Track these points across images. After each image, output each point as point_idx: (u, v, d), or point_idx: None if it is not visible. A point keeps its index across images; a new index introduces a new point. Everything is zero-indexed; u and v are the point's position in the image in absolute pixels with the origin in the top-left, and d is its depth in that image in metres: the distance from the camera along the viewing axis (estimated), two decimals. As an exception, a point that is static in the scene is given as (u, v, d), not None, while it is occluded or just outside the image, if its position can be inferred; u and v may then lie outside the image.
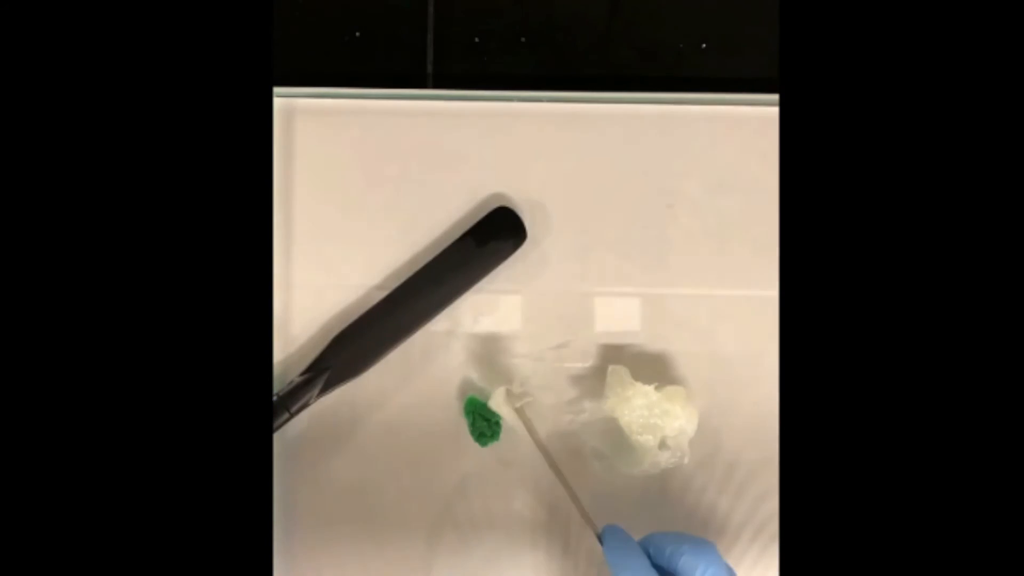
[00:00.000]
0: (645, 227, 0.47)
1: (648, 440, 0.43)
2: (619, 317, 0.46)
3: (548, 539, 0.45)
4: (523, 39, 0.49)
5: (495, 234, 0.45)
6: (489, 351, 0.46)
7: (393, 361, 0.45)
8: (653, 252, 0.47)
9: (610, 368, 0.44)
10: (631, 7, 0.49)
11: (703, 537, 0.38)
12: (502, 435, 0.44)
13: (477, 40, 0.49)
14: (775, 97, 0.47)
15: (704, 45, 0.49)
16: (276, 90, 0.47)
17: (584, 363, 0.46)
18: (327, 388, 0.44)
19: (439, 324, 0.46)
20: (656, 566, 0.38)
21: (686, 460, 0.43)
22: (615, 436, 0.45)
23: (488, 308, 0.46)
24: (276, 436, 0.44)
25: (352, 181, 0.47)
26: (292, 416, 0.43)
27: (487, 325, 0.46)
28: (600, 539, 0.40)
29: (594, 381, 0.46)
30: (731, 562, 0.39)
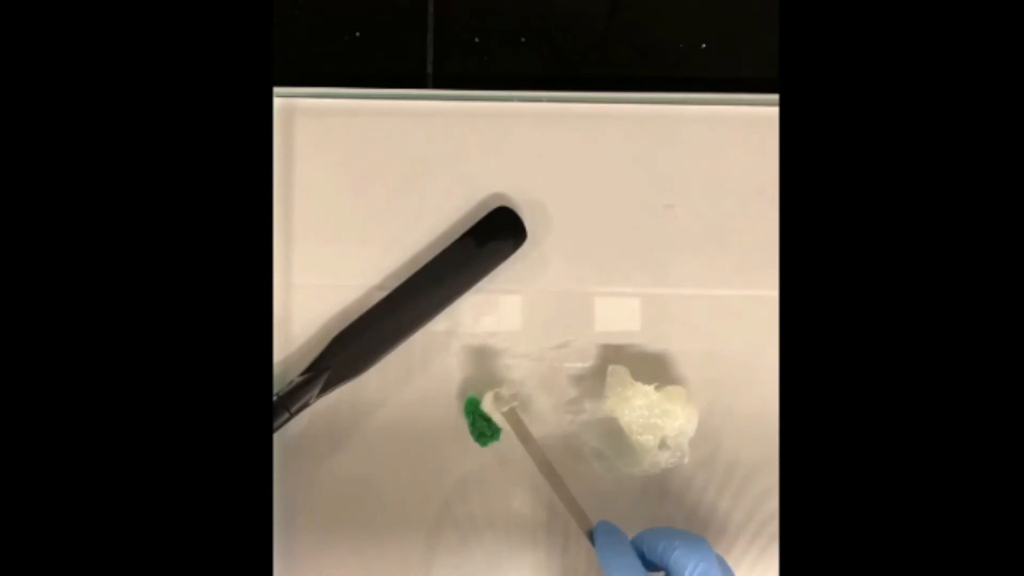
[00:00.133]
0: (645, 227, 0.47)
1: (648, 440, 0.43)
2: (619, 317, 0.46)
3: (548, 539, 0.45)
4: (523, 39, 0.49)
5: (495, 234, 0.45)
6: (489, 351, 0.46)
7: (393, 361, 0.45)
8: (653, 252, 0.47)
9: (610, 368, 0.44)
10: (631, 7, 0.49)
11: (699, 534, 0.38)
12: (502, 435, 0.44)
13: (477, 40, 0.49)
14: (775, 97, 0.47)
15: (704, 45, 0.49)
16: (276, 90, 0.47)
17: (584, 363, 0.46)
18: (327, 388, 0.44)
19: (439, 324, 0.46)
20: (649, 563, 0.38)
21: (686, 460, 0.43)
22: (615, 436, 0.45)
23: (488, 308, 0.46)
24: (276, 436, 0.44)
25: (352, 181, 0.47)
26: (292, 416, 0.43)
27: (487, 325, 0.46)
28: (591, 538, 0.40)
29: (594, 381, 0.46)
30: (731, 562, 0.39)
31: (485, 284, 0.46)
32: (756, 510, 0.46)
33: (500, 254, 0.45)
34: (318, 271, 0.46)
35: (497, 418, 0.43)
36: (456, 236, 0.46)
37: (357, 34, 0.49)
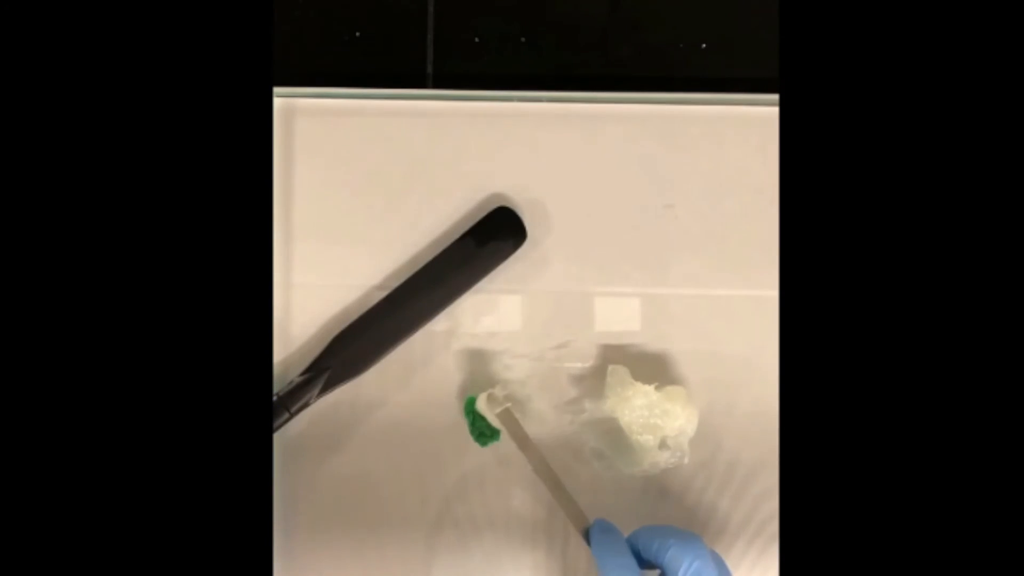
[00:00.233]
0: (645, 227, 0.47)
1: (648, 440, 0.43)
2: (619, 317, 0.46)
3: (548, 538, 0.45)
4: (523, 39, 0.49)
5: (495, 234, 0.45)
6: (489, 351, 0.46)
7: (393, 361, 0.45)
8: (653, 252, 0.47)
9: (610, 368, 0.44)
10: (631, 7, 0.49)
11: (694, 532, 0.38)
12: (502, 435, 0.44)
13: (477, 40, 0.49)
14: (775, 97, 0.47)
15: (704, 45, 0.49)
16: (276, 90, 0.47)
17: (584, 363, 0.46)
18: (327, 388, 0.44)
19: (439, 324, 0.46)
20: (644, 561, 0.38)
21: (686, 460, 0.43)
22: (615, 436, 0.45)
23: (488, 308, 0.46)
24: (276, 436, 0.44)
25: (352, 181, 0.47)
26: (292, 416, 0.43)
27: (487, 325, 0.46)
28: (586, 538, 0.40)
29: (594, 381, 0.46)
30: (731, 562, 0.39)
31: (485, 284, 0.46)
32: (756, 510, 0.46)
33: (500, 254, 0.45)
34: (318, 271, 0.46)
35: (491, 419, 0.43)
36: (456, 236, 0.46)
37: (357, 34, 0.49)
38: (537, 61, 0.49)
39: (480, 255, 0.45)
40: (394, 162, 0.47)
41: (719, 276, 0.46)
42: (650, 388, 0.43)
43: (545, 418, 0.45)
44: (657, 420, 0.43)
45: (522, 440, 0.43)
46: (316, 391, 0.44)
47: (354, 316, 0.45)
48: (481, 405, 0.43)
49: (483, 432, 0.44)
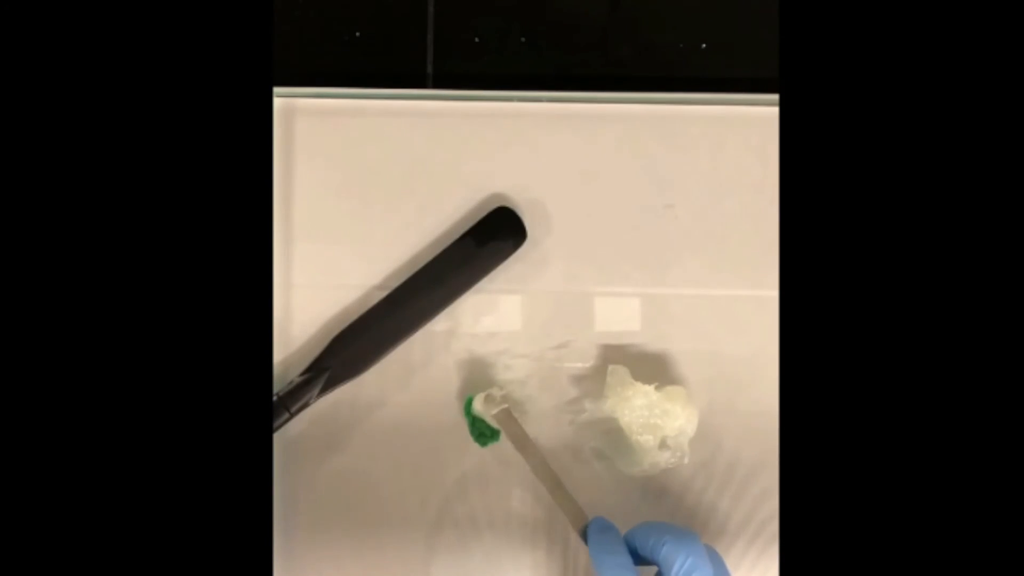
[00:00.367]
0: (645, 227, 0.47)
1: (648, 440, 0.43)
2: (619, 317, 0.46)
3: (548, 538, 0.45)
4: (523, 39, 0.49)
5: (495, 234, 0.45)
6: (489, 351, 0.46)
7: (393, 361, 0.45)
8: (653, 252, 0.47)
9: (610, 368, 0.44)
10: (631, 7, 0.49)
11: (690, 529, 0.38)
12: (502, 435, 0.44)
13: (477, 40, 0.49)
14: (775, 97, 0.47)
15: (704, 45, 0.49)
16: (276, 90, 0.47)
17: (584, 363, 0.46)
18: (327, 388, 0.44)
19: (439, 324, 0.46)
20: (641, 558, 0.38)
21: (686, 460, 0.43)
22: (615, 436, 0.45)
23: (488, 308, 0.46)
24: (276, 436, 0.44)
25: (352, 181, 0.47)
26: (292, 416, 0.43)
27: (487, 325, 0.46)
28: (584, 537, 0.40)
29: (594, 381, 0.46)
30: (731, 562, 0.39)
31: (485, 284, 0.46)
32: (756, 510, 0.46)
33: (500, 254, 0.45)
34: (318, 271, 0.46)
35: (488, 419, 0.43)
36: (456, 236, 0.46)
37: (357, 34, 0.49)
38: (537, 61, 0.49)
39: (480, 255, 0.45)
40: (394, 162, 0.47)
41: (719, 276, 0.46)
42: (650, 388, 0.43)
43: (545, 418, 0.45)
44: (657, 420, 0.43)
45: (520, 440, 0.43)
46: (316, 391, 0.44)
47: (354, 316, 0.45)
48: (478, 406, 0.43)
49: (483, 432, 0.44)
